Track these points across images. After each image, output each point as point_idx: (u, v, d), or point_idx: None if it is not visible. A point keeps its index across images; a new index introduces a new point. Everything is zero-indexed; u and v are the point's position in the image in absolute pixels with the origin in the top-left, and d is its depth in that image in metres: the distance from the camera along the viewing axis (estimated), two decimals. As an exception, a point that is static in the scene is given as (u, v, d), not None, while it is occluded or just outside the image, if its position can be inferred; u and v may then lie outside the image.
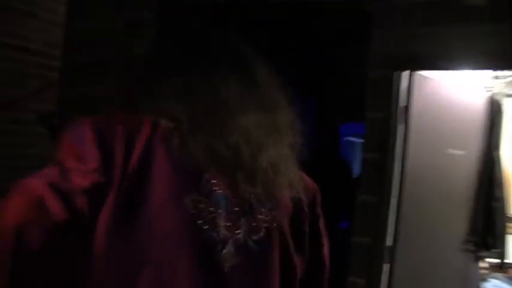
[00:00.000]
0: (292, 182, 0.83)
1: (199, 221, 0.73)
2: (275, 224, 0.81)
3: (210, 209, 0.74)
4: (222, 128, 0.76)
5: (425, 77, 2.20)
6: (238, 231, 0.77)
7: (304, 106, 0.89)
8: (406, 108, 2.21)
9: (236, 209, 0.77)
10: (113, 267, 0.68)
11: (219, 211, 0.75)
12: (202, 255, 0.74)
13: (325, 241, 0.96)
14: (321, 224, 0.95)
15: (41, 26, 4.62)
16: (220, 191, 0.76)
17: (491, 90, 2.86)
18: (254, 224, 0.79)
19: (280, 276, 0.82)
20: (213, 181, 0.76)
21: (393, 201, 2.22)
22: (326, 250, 0.96)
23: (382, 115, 2.18)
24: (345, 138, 4.17)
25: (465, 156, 2.56)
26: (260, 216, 0.79)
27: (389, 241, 2.23)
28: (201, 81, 0.79)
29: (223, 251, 0.75)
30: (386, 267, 2.24)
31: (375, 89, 2.19)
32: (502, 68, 2.46)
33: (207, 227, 0.74)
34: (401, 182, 2.24)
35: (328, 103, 3.64)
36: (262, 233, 0.79)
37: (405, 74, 2.14)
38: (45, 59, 4.68)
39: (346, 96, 3.21)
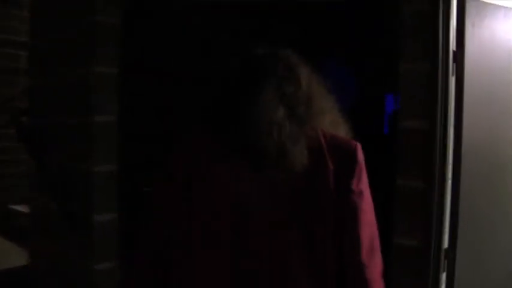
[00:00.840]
0: (305, 152, 1.03)
1: (227, 187, 1.05)
2: (290, 185, 1.03)
3: (234, 179, 1.04)
4: (246, 126, 1.03)
5: (486, 4, 1.53)
6: (258, 191, 1.03)
7: (344, 79, 1.12)
8: (457, 53, 1.56)
9: (254, 175, 1.04)
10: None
11: (240, 180, 1.04)
12: (232, 208, 1.05)
13: (359, 196, 1.05)
14: (355, 180, 1.05)
15: (26, 15, 4.21)
16: (240, 168, 1.05)
17: None
18: (271, 186, 1.03)
19: (301, 227, 1.04)
20: (236, 163, 1.05)
21: (447, 186, 1.59)
22: (362, 204, 1.05)
23: (424, 65, 1.54)
24: (392, 110, 3.51)
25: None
26: (276, 179, 1.03)
27: (445, 242, 1.59)
28: (234, 95, 1.08)
29: (246, 206, 1.04)
30: (442, 277, 1.61)
31: (412, 28, 1.55)
32: None
33: (232, 191, 1.05)
34: (455, 158, 1.60)
35: (372, 72, 3.02)
36: (278, 192, 1.03)
37: (456, 1, 1.49)
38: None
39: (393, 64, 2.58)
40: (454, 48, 1.57)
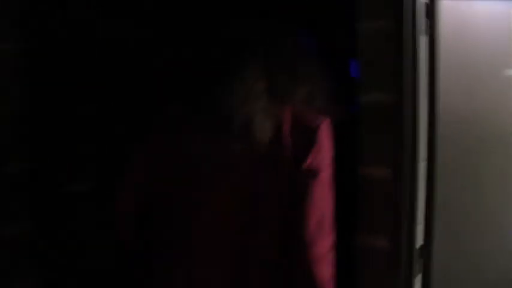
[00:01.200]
0: (271, 128, 1.07)
1: (195, 154, 1.12)
2: (250, 156, 1.08)
3: (203, 149, 1.10)
4: (222, 96, 1.08)
5: None
6: (222, 158, 1.09)
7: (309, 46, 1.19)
8: (430, 6, 1.26)
9: (218, 144, 1.09)
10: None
11: (209, 148, 1.10)
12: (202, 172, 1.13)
13: (311, 174, 1.06)
14: (310, 158, 1.07)
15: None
16: (210, 139, 1.10)
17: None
18: (233, 155, 1.07)
19: (253, 202, 1.09)
20: (206, 136, 1.10)
21: (419, 171, 1.31)
22: (314, 183, 1.06)
23: (388, 22, 1.23)
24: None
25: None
26: (238, 149, 1.07)
27: (419, 239, 1.32)
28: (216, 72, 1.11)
29: (212, 172, 1.10)
30: (417, 280, 1.35)
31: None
32: None
33: (201, 159, 1.11)
34: (429, 137, 1.31)
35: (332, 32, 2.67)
36: (238, 162, 1.08)
37: None
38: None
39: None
40: (427, 0, 1.26)
